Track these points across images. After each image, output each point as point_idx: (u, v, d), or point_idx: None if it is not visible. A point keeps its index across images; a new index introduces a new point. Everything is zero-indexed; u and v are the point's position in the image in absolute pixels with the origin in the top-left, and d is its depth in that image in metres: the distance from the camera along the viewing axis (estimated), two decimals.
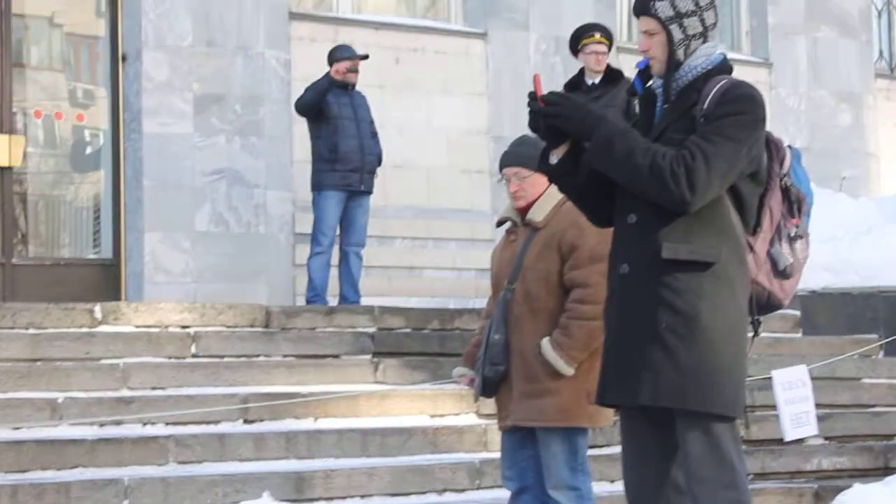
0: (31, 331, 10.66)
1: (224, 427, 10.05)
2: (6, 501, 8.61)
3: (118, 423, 9.85)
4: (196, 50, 13.36)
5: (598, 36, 12.24)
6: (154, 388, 10.37)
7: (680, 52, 5.81)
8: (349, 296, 12.84)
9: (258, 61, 13.55)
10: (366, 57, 12.66)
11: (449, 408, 10.72)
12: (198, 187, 13.30)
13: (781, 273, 5.92)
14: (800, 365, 9.72)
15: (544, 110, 5.77)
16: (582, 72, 12.29)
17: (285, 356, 11.17)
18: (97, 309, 11.02)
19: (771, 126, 5.96)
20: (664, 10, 5.78)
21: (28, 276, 12.96)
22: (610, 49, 12.35)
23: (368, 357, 11.31)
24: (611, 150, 5.68)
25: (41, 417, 9.66)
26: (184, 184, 13.26)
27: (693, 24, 5.80)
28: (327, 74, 12.59)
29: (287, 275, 13.56)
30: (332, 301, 12.85)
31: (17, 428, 9.59)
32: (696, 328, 5.63)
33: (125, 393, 10.22)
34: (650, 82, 5.95)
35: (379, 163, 12.87)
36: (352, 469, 9.72)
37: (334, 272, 12.87)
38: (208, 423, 10.07)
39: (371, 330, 11.68)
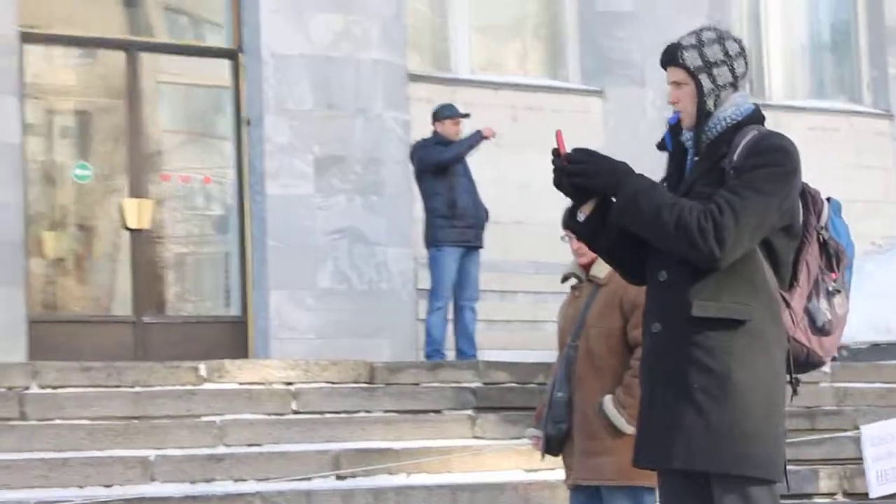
0: (137, 389, 10.30)
1: (314, 483, 9.55)
2: None
3: (209, 480, 9.39)
4: (316, 113, 13.01)
5: None
6: (250, 445, 9.93)
7: (710, 103, 5.23)
8: (465, 349, 12.38)
9: (377, 122, 13.18)
10: (468, 115, 12.24)
11: (544, 462, 10.08)
12: (320, 246, 12.96)
13: (820, 329, 5.28)
14: (892, 419, 9.03)
15: (568, 168, 5.21)
16: None
17: (386, 412, 10.67)
18: (202, 367, 10.64)
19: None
20: (693, 59, 5.23)
21: (159, 334, 12.73)
22: None
23: (468, 412, 10.74)
24: (637, 206, 5.11)
25: (132, 476, 9.24)
26: (307, 243, 12.90)
27: (723, 74, 5.23)
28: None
29: (410, 330, 13.08)
30: (451, 355, 12.38)
31: (108, 486, 9.18)
32: (729, 388, 5.06)
33: (220, 450, 9.79)
34: (681, 136, 5.36)
35: (487, 218, 12.38)
36: None
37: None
38: (300, 479, 9.58)
39: (474, 385, 11.12)
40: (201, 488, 9.26)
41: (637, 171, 5.17)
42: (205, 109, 13.49)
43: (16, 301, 11.93)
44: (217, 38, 13.38)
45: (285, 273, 12.82)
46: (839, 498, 9.88)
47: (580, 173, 5.22)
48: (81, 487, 9.05)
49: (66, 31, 12.86)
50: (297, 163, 12.94)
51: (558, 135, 5.28)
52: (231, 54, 13.16)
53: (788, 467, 5.29)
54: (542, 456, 8.59)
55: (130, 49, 12.90)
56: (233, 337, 12.86)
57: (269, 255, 12.83)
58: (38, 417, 9.78)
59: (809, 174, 5.32)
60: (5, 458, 9.11)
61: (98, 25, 12.97)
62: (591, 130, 14.08)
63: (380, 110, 13.22)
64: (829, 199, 5.44)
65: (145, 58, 12.97)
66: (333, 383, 10.92)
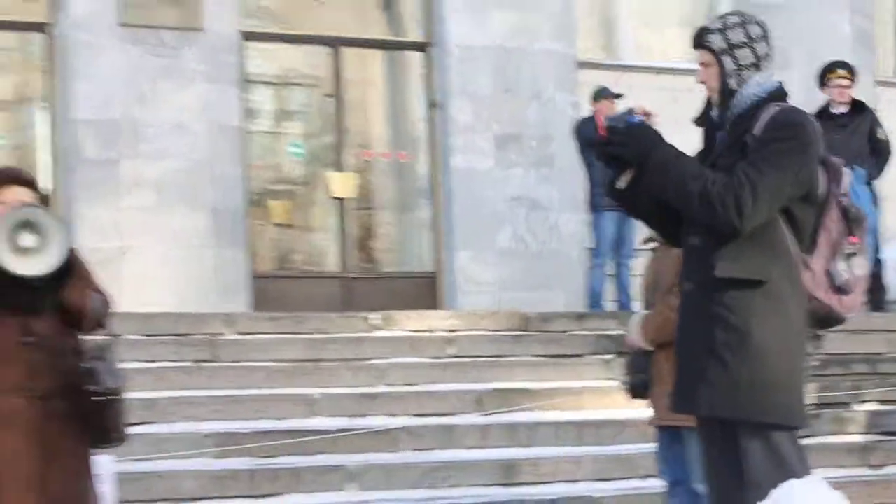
0: (315, 335, 10.39)
1: (456, 419, 9.52)
2: (244, 484, 8.32)
3: (365, 415, 9.42)
4: (495, 97, 12.92)
5: (841, 72, 11.82)
6: (406, 385, 9.93)
7: (733, 82, 5.08)
8: (624, 301, 12.23)
9: (549, 104, 13.04)
10: (620, 96, 12.00)
11: None
12: (500, 212, 12.88)
13: (839, 289, 5.09)
14: None
15: (605, 139, 5.11)
16: (829, 103, 11.58)
17: (533, 356, 10.56)
18: (374, 317, 10.69)
19: None
20: (717, 42, 5.08)
21: (361, 288, 12.80)
22: (853, 83, 11.58)
23: (606, 357, 10.56)
24: (665, 175, 5.01)
25: (298, 412, 9.33)
26: (488, 209, 12.85)
27: (745, 55, 5.07)
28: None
29: (579, 284, 12.90)
30: (611, 306, 12.25)
31: (278, 419, 9.28)
32: (748, 343, 4.92)
33: (380, 389, 9.81)
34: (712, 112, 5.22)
35: None
36: (559, 457, 9.08)
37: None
38: (445, 415, 9.56)
39: (615, 333, 10.91)
40: (356, 422, 9.31)
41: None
42: (400, 95, 13.48)
43: (240, 260, 12.14)
44: (411, 34, 13.35)
45: (470, 235, 12.81)
46: None
47: (615, 143, 5.12)
48: (255, 420, 9.18)
49: (280, 30, 13.03)
50: (479, 140, 12.90)
51: (598, 114, 5.17)
52: (422, 47, 13.15)
53: None
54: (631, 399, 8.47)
55: (335, 44, 12.98)
56: (425, 290, 12.88)
57: (456, 220, 12.83)
58: (228, 360, 9.95)
59: None
60: (193, 395, 9.29)
61: (308, 24, 13.10)
62: None
63: (551, 93, 13.08)
64: (853, 168, 5.23)
65: (348, 52, 13.04)
66: (490, 331, 10.88)
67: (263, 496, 8.25)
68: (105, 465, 5.84)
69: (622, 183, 5.21)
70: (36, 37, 12.12)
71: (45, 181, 11.77)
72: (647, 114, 11.94)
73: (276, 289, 12.38)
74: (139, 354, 9.59)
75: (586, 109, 12.43)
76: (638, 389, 7.00)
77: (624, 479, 9.04)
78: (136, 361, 9.51)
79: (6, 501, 5.23)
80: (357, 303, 12.37)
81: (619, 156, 5.14)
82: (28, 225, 5.22)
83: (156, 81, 11.91)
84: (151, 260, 11.67)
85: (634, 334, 6.82)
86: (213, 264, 11.87)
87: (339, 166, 12.89)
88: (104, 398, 5.34)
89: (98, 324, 5.45)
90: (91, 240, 11.43)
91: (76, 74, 11.72)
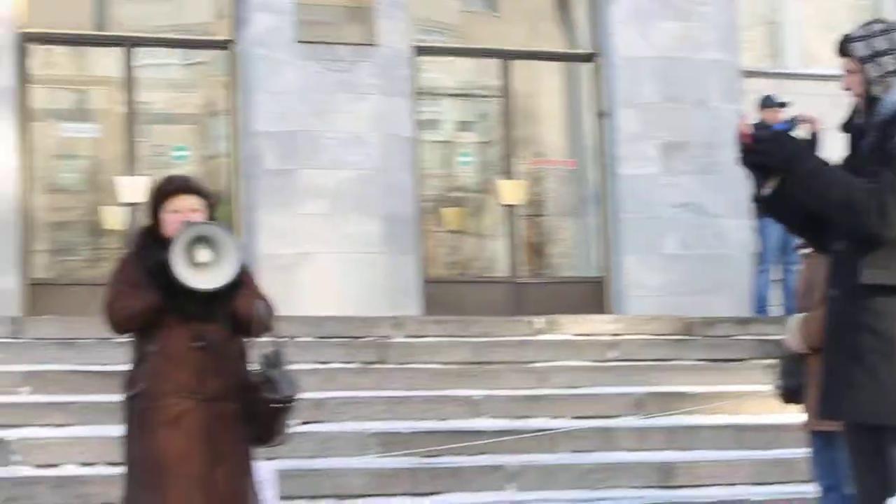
0: (481, 339, 10.43)
1: (615, 421, 9.49)
2: (406, 482, 8.40)
3: (528, 417, 9.44)
4: (661, 106, 12.83)
5: None
6: (568, 388, 9.92)
7: (876, 89, 4.96)
8: (789, 306, 12.01)
9: (714, 113, 12.88)
10: (785, 104, 11.82)
11: None
12: (666, 218, 12.78)
13: None
14: None
15: (749, 147, 5.07)
16: None
17: (696, 360, 10.46)
18: (539, 321, 10.69)
19: None
20: (860, 49, 4.96)
21: (531, 292, 12.81)
22: None
23: (768, 361, 10.39)
24: (811, 183, 4.93)
25: (461, 412, 9.39)
26: (654, 215, 12.76)
27: (888, 63, 4.95)
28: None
29: (744, 290, 12.73)
30: (776, 311, 12.07)
31: (442, 420, 9.35)
32: (894, 348, 4.80)
33: (542, 392, 9.82)
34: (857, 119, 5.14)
35: None
36: (716, 461, 8.97)
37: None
38: (605, 417, 9.52)
39: (779, 337, 10.70)
40: (517, 423, 9.33)
41: None
42: (568, 105, 13.46)
43: (412, 265, 12.25)
44: (579, 46, 13.33)
45: (637, 240, 12.74)
46: None
47: (759, 151, 5.06)
48: (419, 421, 9.25)
49: (452, 44, 13.13)
50: (645, 148, 12.81)
51: (742, 122, 5.12)
52: (590, 58, 13.13)
53: None
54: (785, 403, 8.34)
55: (505, 57, 13.03)
56: (593, 295, 12.83)
57: (623, 226, 12.77)
58: (395, 362, 10.05)
59: None
60: (361, 395, 9.42)
61: (479, 37, 13.17)
62: None
63: (716, 102, 12.92)
64: None
65: (517, 64, 13.09)
66: (653, 335, 10.79)
67: (424, 494, 8.32)
68: (265, 467, 5.94)
69: (767, 190, 5.14)
70: (220, 54, 12.41)
71: (227, 190, 12.07)
72: (812, 121, 11.79)
73: (447, 293, 12.46)
74: (311, 356, 9.76)
75: (752, 118, 12.26)
76: (791, 393, 6.89)
77: (781, 483, 8.88)
78: (307, 363, 9.68)
79: (175, 498, 5.38)
80: (526, 307, 12.37)
81: (763, 163, 5.08)
82: (203, 240, 5.38)
83: (332, 95, 12.10)
84: (327, 265, 11.85)
85: (792, 337, 6.71)
86: (386, 270, 12.01)
87: (509, 174, 12.93)
88: (280, 405, 5.47)
89: (264, 329, 5.58)
90: (270, 246, 11.68)
91: (257, 89, 11.98)
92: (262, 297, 5.63)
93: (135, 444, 5.51)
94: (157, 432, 5.42)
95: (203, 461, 5.42)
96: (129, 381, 5.59)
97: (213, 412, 5.47)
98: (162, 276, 5.35)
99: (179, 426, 5.43)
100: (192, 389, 5.45)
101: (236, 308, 5.50)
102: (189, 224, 5.44)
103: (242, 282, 5.53)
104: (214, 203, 5.75)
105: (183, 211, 5.58)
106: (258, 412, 5.46)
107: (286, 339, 5.70)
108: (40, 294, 11.47)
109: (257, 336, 5.58)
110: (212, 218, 5.66)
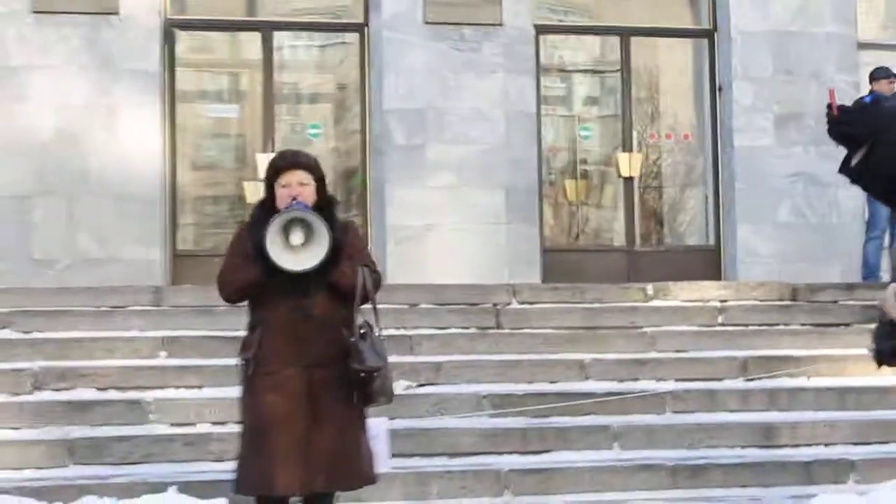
0: (594, 305, 10.56)
1: (720, 384, 9.54)
2: (516, 441, 8.56)
3: (635, 380, 9.55)
4: (776, 79, 12.78)
5: None
6: (675, 352, 10.00)
7: None
8: None
9: (829, 85, 12.73)
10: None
11: None
12: (779, 188, 12.75)
13: None
14: None
15: (837, 118, 5.16)
16: None
17: (801, 325, 10.46)
18: (650, 287, 10.76)
19: None
20: None
21: (646, 261, 12.90)
22: None
23: (873, 326, 10.33)
24: (892, 156, 5.01)
25: (570, 375, 9.54)
26: (768, 185, 12.73)
27: None
28: None
29: (856, 257, 12.65)
30: (886, 277, 11.93)
31: (553, 382, 9.50)
32: None
33: (649, 355, 9.92)
34: None
35: None
36: (817, 421, 9.00)
37: None
38: (710, 380, 9.59)
39: (875, 302, 10.68)
40: (629, 386, 9.43)
41: None
42: (685, 79, 13.46)
43: (533, 236, 12.42)
44: (696, 21, 13.32)
45: (750, 210, 12.74)
46: None
47: (846, 122, 5.14)
48: (530, 383, 9.45)
49: (573, 22, 13.22)
50: (760, 120, 12.78)
51: (831, 92, 5.18)
52: (707, 34, 13.12)
53: None
54: (878, 366, 8.34)
55: (625, 34, 13.10)
56: (707, 263, 12.87)
57: (738, 196, 12.77)
58: (509, 327, 10.23)
59: None
60: (476, 359, 9.59)
61: (599, 15, 13.25)
62: None
63: (831, 74, 12.83)
64: None
65: (636, 40, 13.14)
66: (759, 300, 10.81)
67: (533, 452, 8.48)
68: (378, 425, 6.13)
69: (855, 160, 5.21)
70: (353, 36, 12.68)
71: (359, 165, 12.36)
72: None
73: (565, 262, 12.61)
74: (431, 322, 10.00)
75: (866, 89, 12.18)
76: (885, 356, 6.90)
77: (881, 443, 8.89)
78: (427, 328, 9.93)
79: (278, 455, 5.65)
80: (641, 275, 12.45)
81: (851, 134, 5.15)
82: (299, 222, 5.61)
83: (458, 73, 12.30)
84: (452, 236, 12.08)
85: (889, 303, 6.70)
86: (508, 240, 12.20)
87: (627, 147, 13.00)
88: (366, 374, 5.69)
89: (366, 297, 5.78)
90: (399, 217, 11.95)
91: (387, 68, 12.23)
92: (370, 265, 5.83)
93: (245, 406, 5.80)
94: (263, 396, 5.69)
95: (305, 422, 5.65)
96: (243, 347, 5.87)
97: (314, 377, 5.68)
98: (261, 254, 5.60)
99: (281, 391, 5.66)
100: (293, 357, 5.68)
101: (338, 279, 5.70)
102: (286, 209, 5.66)
103: (347, 254, 5.73)
104: (322, 178, 5.91)
105: (292, 185, 5.76)
106: (352, 378, 5.70)
107: (380, 308, 5.87)
108: (184, 265, 11.90)
109: (361, 304, 5.78)
110: (322, 192, 5.84)
